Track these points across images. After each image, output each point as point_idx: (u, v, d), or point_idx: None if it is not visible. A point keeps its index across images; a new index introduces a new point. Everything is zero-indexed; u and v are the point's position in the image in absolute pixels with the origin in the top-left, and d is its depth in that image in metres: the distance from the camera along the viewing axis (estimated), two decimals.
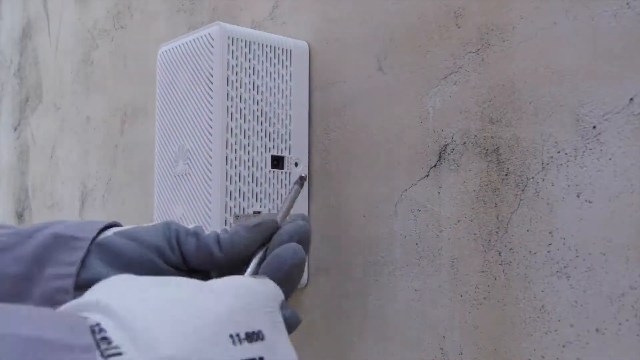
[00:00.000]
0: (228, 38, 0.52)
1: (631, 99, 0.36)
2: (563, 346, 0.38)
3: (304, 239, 0.40)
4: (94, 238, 0.39)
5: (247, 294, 0.31)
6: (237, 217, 0.53)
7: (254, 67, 0.54)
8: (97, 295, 0.28)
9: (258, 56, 0.54)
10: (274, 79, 0.55)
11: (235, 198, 0.52)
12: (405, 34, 0.49)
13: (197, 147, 0.53)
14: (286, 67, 0.56)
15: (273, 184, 0.54)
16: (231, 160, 0.52)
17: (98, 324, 0.26)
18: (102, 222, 0.40)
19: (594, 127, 0.37)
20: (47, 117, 1.09)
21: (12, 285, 0.37)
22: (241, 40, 0.53)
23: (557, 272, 0.39)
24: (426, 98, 0.47)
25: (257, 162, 0.54)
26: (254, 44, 0.54)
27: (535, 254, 0.40)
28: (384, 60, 0.51)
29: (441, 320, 0.45)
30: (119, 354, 0.25)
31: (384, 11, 0.51)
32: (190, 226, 0.42)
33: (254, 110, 0.54)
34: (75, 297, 0.37)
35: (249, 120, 0.53)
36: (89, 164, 0.94)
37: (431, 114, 0.47)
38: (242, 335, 0.28)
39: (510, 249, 0.41)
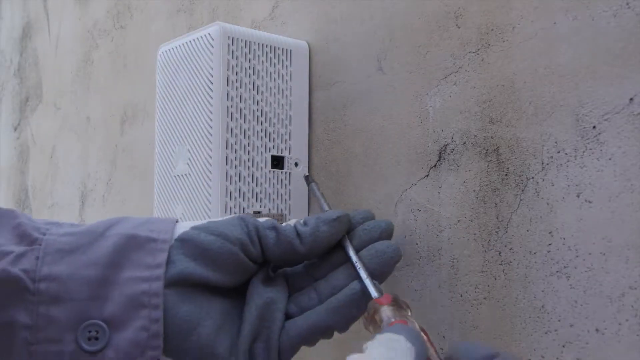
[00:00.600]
0: (228, 38, 0.52)
1: (631, 99, 0.36)
2: (563, 346, 0.38)
3: (390, 235, 0.43)
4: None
5: None
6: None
7: (254, 67, 0.54)
8: None
9: (258, 56, 0.54)
10: (274, 79, 0.55)
11: (235, 198, 0.52)
12: (405, 34, 0.49)
13: (197, 147, 0.53)
14: (286, 67, 0.56)
15: (273, 184, 0.54)
16: (231, 160, 0.52)
17: None
18: (168, 220, 0.40)
19: (594, 127, 0.37)
20: (47, 117, 1.09)
21: (89, 288, 0.36)
22: (241, 40, 0.53)
23: (557, 272, 0.39)
24: (426, 98, 0.47)
25: (257, 162, 0.54)
26: (254, 44, 0.54)
27: (535, 254, 0.40)
28: (384, 60, 0.51)
29: (441, 320, 0.45)
30: None
31: (384, 11, 0.51)
32: (262, 219, 0.42)
33: (254, 110, 0.54)
34: (165, 295, 0.37)
35: (249, 120, 0.53)
36: (89, 164, 0.94)
37: (431, 114, 0.47)
38: None
39: (510, 249, 0.41)
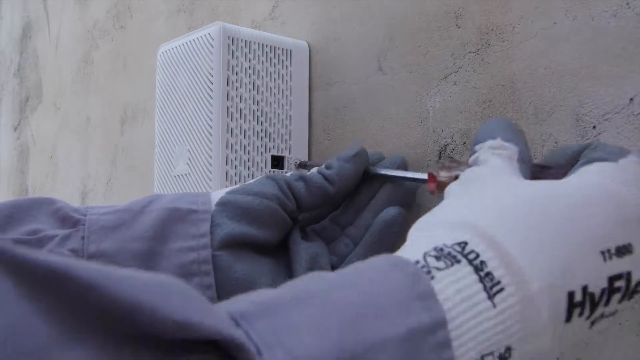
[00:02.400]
0: (228, 38, 0.52)
1: (631, 99, 0.36)
2: None
3: (406, 168, 0.46)
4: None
5: (618, 202, 0.27)
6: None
7: (254, 67, 0.54)
8: (461, 213, 0.26)
9: (258, 56, 0.54)
10: (274, 79, 0.55)
11: None
12: (405, 34, 0.49)
13: (197, 147, 0.53)
14: (286, 67, 0.56)
15: None
16: (231, 160, 0.52)
17: (474, 251, 0.24)
18: (203, 193, 0.41)
19: (594, 127, 0.37)
20: (47, 117, 1.09)
21: (137, 261, 0.37)
22: (241, 40, 0.53)
23: None
24: (426, 98, 0.47)
25: (257, 162, 0.54)
26: (254, 44, 0.54)
27: None
28: (384, 60, 0.51)
29: None
30: (502, 289, 0.23)
31: (384, 11, 0.51)
32: (288, 174, 0.43)
33: (254, 110, 0.54)
34: (218, 257, 0.38)
35: (249, 120, 0.53)
36: (89, 164, 0.94)
37: (431, 114, 0.47)
38: (613, 250, 0.25)
39: None
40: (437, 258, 0.23)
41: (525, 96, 0.41)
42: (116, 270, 0.16)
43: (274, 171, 0.54)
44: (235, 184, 0.52)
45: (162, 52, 0.58)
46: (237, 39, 0.53)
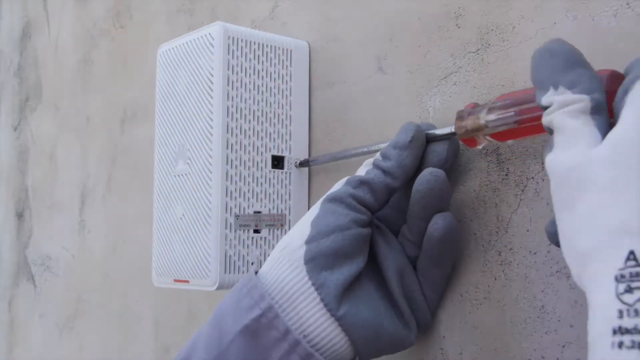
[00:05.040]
0: (228, 38, 0.52)
1: None
2: (563, 346, 0.38)
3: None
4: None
5: None
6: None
7: (254, 67, 0.54)
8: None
9: (258, 56, 0.54)
10: (274, 78, 0.55)
11: (235, 198, 0.52)
12: (405, 34, 0.49)
13: (197, 147, 0.53)
14: (286, 67, 0.56)
15: (273, 184, 0.54)
16: (231, 160, 0.52)
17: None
18: (251, 286, 0.40)
19: None
20: (47, 117, 1.09)
21: None
22: (241, 40, 0.53)
23: (557, 272, 0.39)
24: (426, 98, 0.47)
25: (257, 162, 0.54)
26: (254, 43, 0.54)
27: (535, 254, 0.40)
28: (384, 60, 0.51)
29: (441, 320, 0.45)
30: None
31: (384, 11, 0.51)
32: (343, 182, 0.43)
33: (254, 110, 0.54)
34: (342, 323, 0.39)
35: (249, 120, 0.53)
36: (89, 164, 0.94)
37: (431, 114, 0.47)
38: None
39: (510, 249, 0.41)
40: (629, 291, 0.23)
41: None
42: None
43: (274, 171, 0.54)
44: (236, 184, 0.52)
45: (162, 52, 0.58)
46: (237, 39, 0.53)
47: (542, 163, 0.40)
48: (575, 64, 0.30)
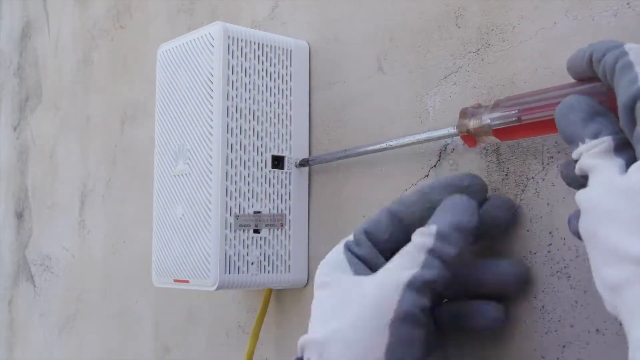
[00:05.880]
0: (228, 38, 0.52)
1: None
2: (563, 346, 0.38)
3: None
4: None
5: None
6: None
7: (254, 67, 0.54)
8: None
9: (258, 56, 0.54)
10: (274, 78, 0.55)
11: (235, 198, 0.52)
12: (405, 34, 0.49)
13: (197, 147, 0.53)
14: (286, 67, 0.56)
15: (273, 184, 0.54)
16: (231, 160, 0.52)
17: None
18: None
19: None
20: (47, 117, 1.09)
21: None
22: (241, 40, 0.53)
23: (557, 272, 0.39)
24: (426, 98, 0.47)
25: (257, 162, 0.54)
26: (254, 43, 0.54)
27: (535, 254, 0.40)
28: (384, 60, 0.51)
29: None
30: None
31: (384, 11, 0.51)
32: (398, 283, 0.35)
33: (254, 110, 0.54)
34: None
35: (249, 120, 0.53)
36: (89, 164, 0.94)
37: (431, 114, 0.47)
38: None
39: (511, 248, 0.41)
40: None
41: None
42: None
43: (274, 171, 0.54)
44: (236, 184, 0.52)
45: (162, 52, 0.58)
46: (237, 39, 0.53)
47: (542, 164, 0.40)
48: (594, 114, 0.31)
